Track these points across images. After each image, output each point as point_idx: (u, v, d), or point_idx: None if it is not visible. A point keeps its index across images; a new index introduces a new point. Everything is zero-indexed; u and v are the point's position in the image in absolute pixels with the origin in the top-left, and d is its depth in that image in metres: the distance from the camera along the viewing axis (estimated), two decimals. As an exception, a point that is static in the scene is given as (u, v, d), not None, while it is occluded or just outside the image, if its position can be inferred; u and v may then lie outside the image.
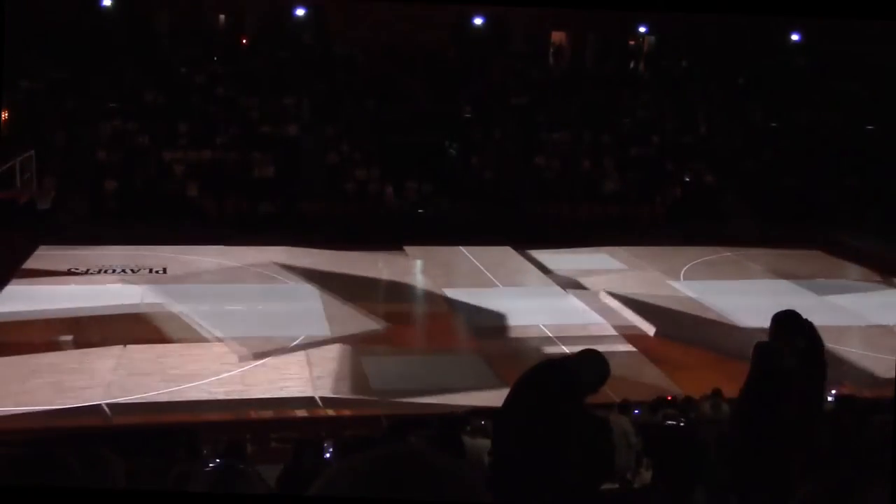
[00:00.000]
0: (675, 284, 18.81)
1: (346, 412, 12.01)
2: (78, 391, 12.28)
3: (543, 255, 20.50)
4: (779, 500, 5.03)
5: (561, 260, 20.35)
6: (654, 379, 13.17)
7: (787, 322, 5.38)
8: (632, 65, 32.90)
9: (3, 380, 12.57)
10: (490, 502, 1.67)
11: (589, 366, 5.32)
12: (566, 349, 14.36)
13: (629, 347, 14.60)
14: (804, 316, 5.57)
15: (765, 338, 5.66)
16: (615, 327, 15.70)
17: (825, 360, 5.51)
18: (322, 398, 12.43)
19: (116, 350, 13.84)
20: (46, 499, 1.94)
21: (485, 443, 8.29)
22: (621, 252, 21.18)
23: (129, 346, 14.01)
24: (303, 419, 11.91)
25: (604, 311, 16.76)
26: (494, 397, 12.30)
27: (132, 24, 28.56)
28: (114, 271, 18.26)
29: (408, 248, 20.76)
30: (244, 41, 30.85)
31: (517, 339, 15.35)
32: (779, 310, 5.59)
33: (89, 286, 17.13)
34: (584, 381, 5.27)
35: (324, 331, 15.24)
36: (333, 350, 14.29)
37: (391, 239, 20.90)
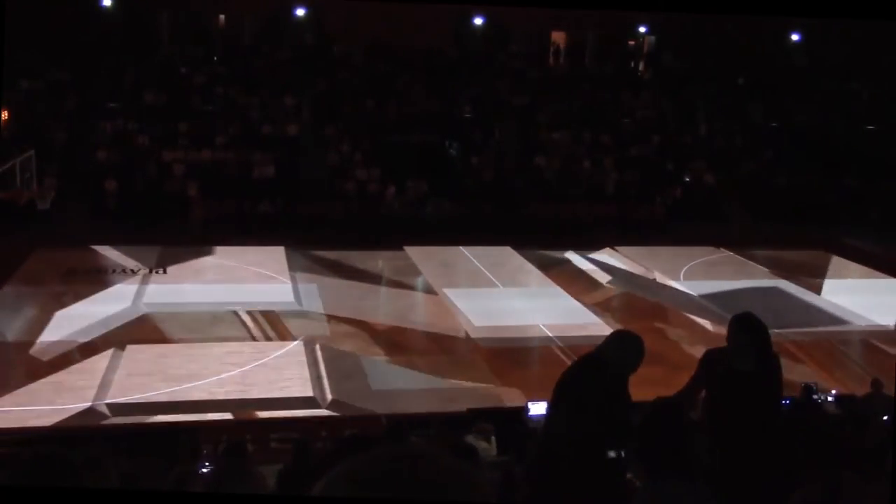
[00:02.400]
0: (676, 284, 18.81)
1: (346, 412, 12.00)
2: (78, 391, 12.28)
3: (544, 255, 20.52)
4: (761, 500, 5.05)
5: (561, 260, 20.39)
6: (655, 378, 13.16)
7: (747, 324, 5.41)
8: (632, 65, 32.92)
9: (2, 380, 12.57)
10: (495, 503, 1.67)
11: (620, 347, 5.39)
12: (566, 349, 14.37)
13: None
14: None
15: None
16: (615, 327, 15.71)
17: (778, 359, 5.55)
18: (322, 398, 12.44)
19: (116, 350, 13.85)
20: (46, 499, 1.94)
21: (485, 444, 8.31)
22: (621, 252, 21.20)
23: (129, 346, 14.01)
24: (303, 419, 11.90)
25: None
26: (494, 398, 12.34)
27: (132, 25, 28.58)
28: (114, 271, 18.27)
29: (408, 248, 20.76)
30: (244, 41, 30.86)
31: (517, 340, 15.35)
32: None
33: (89, 286, 17.13)
34: (620, 363, 5.33)
35: (324, 331, 15.26)
36: (333, 350, 14.30)
37: (391, 239, 20.91)
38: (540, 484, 5.40)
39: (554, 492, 5.31)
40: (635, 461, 4.71)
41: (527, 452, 7.16)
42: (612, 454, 5.26)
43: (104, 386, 12.48)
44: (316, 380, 13.02)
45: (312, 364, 13.58)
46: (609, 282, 19.10)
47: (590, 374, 5.40)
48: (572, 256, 20.84)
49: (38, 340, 14.21)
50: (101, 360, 13.41)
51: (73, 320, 15.14)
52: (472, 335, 15.32)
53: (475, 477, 1.56)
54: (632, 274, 19.68)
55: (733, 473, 5.08)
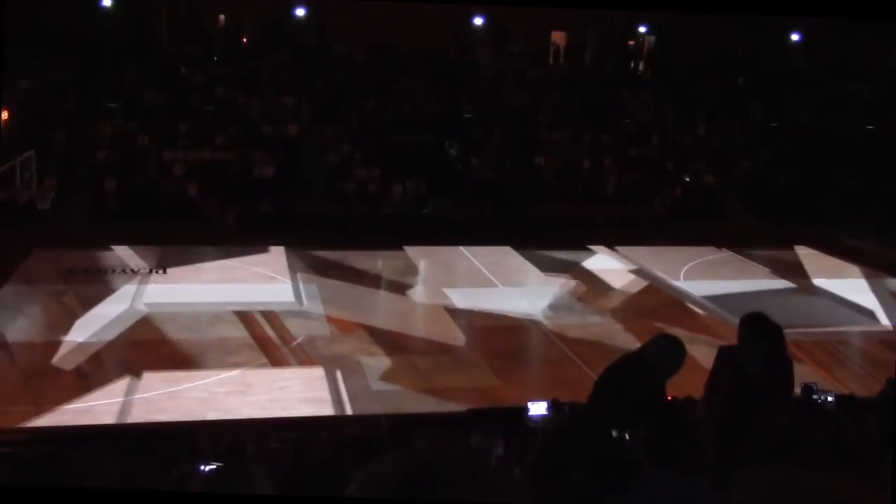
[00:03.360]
0: (676, 284, 18.82)
1: (346, 412, 12.00)
2: (78, 391, 12.27)
3: (543, 255, 20.52)
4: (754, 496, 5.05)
5: (561, 260, 20.40)
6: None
7: (757, 325, 5.39)
8: (632, 65, 32.92)
9: (3, 379, 12.57)
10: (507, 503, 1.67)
11: (662, 350, 5.39)
12: (567, 349, 14.38)
13: (631, 345, 14.60)
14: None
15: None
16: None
17: (791, 361, 5.54)
18: (322, 398, 12.43)
19: (117, 350, 13.84)
20: (46, 499, 1.93)
21: (485, 444, 8.29)
22: (621, 252, 21.19)
23: (129, 346, 14.02)
24: (303, 419, 11.89)
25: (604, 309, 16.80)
26: (494, 397, 12.32)
27: (132, 24, 28.58)
28: (114, 271, 18.27)
29: (408, 248, 20.76)
30: (244, 41, 30.86)
31: (517, 339, 15.35)
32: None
33: (88, 286, 17.13)
34: (660, 365, 5.33)
35: (324, 331, 15.26)
36: (333, 349, 14.30)
37: (391, 239, 20.91)
38: (542, 484, 5.38)
39: (558, 492, 5.29)
40: (642, 456, 4.73)
41: (527, 452, 7.15)
42: (631, 455, 5.26)
43: (105, 386, 12.47)
44: (316, 379, 13.02)
45: (312, 363, 13.58)
46: (610, 281, 19.08)
47: (630, 374, 5.39)
48: (572, 256, 20.83)
49: (39, 341, 14.20)
50: (102, 361, 13.41)
51: (72, 320, 15.12)
52: (472, 334, 15.32)
53: (494, 478, 1.57)
54: (635, 272, 19.67)
55: (732, 472, 5.08)
